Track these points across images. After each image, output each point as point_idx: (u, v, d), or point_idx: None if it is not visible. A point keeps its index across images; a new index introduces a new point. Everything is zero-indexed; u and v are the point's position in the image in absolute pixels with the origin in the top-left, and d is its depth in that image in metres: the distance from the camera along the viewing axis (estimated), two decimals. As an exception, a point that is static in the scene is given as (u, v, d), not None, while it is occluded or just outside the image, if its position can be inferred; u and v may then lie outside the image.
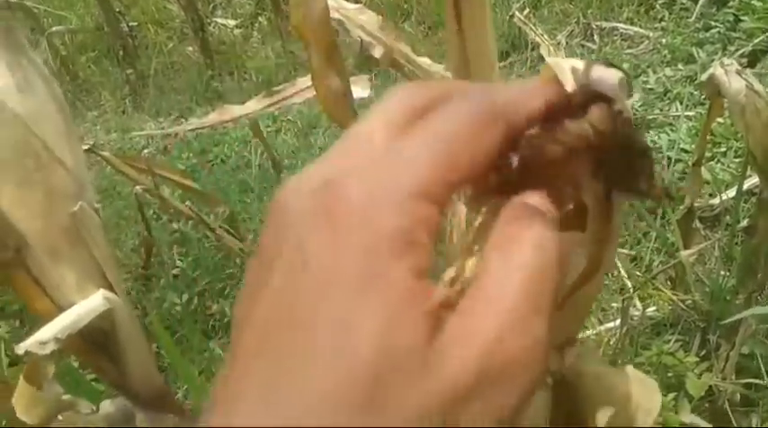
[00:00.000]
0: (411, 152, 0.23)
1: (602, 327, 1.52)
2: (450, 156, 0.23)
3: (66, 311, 0.62)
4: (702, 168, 1.54)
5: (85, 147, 1.48)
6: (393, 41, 1.02)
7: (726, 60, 1.08)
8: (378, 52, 1.00)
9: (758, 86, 1.04)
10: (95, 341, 0.65)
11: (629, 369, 0.55)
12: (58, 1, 3.56)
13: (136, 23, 3.16)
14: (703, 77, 1.12)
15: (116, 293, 0.65)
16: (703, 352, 1.39)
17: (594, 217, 0.28)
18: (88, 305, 0.62)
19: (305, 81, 1.25)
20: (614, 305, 1.60)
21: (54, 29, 3.11)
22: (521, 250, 0.23)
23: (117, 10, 3.03)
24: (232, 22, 3.17)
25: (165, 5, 3.38)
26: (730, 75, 1.04)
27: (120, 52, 3.01)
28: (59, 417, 0.72)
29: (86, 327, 0.63)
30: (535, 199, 0.24)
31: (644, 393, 0.53)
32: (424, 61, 1.03)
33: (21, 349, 0.60)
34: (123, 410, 0.78)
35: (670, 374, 1.33)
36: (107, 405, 0.78)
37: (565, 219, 0.25)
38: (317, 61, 0.88)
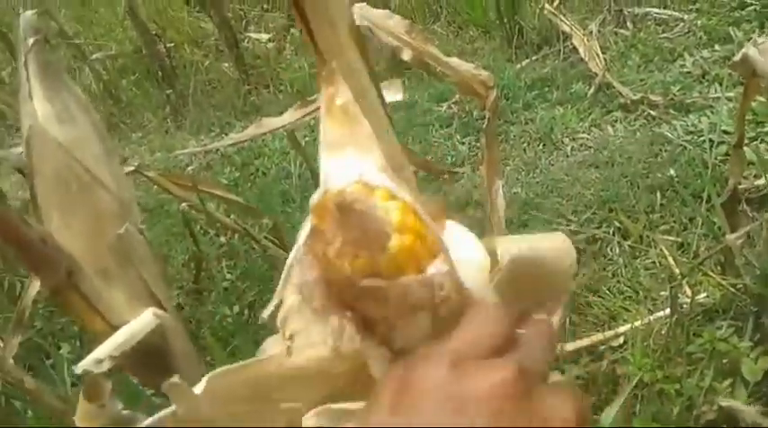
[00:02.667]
0: None
1: (652, 317, 1.50)
2: None
3: (120, 330, 0.65)
4: (747, 149, 1.51)
5: (131, 168, 1.52)
6: (421, 44, 1.03)
7: (758, 39, 1.06)
8: (407, 55, 1.00)
9: (794, 63, 1.02)
10: (149, 356, 0.68)
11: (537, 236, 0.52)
12: (98, 28, 3.66)
13: (172, 44, 3.23)
14: (736, 58, 1.10)
15: (165, 309, 0.67)
16: (758, 337, 1.37)
17: None
18: (139, 322, 0.64)
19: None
20: (663, 293, 1.58)
21: (95, 55, 3.21)
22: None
23: (153, 32, 3.11)
24: (265, 37, 3.22)
25: (200, 25, 3.45)
26: (764, 53, 1.02)
27: (159, 73, 3.09)
28: (120, 431, 0.75)
29: (139, 344, 0.65)
30: None
31: (557, 257, 0.51)
32: (454, 61, 1.03)
33: (78, 368, 0.62)
34: (180, 422, 0.80)
35: (725, 361, 1.30)
36: (164, 418, 0.81)
37: None
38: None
